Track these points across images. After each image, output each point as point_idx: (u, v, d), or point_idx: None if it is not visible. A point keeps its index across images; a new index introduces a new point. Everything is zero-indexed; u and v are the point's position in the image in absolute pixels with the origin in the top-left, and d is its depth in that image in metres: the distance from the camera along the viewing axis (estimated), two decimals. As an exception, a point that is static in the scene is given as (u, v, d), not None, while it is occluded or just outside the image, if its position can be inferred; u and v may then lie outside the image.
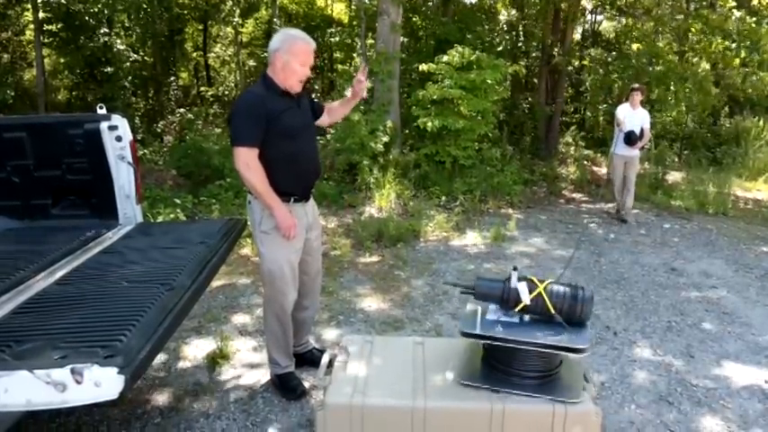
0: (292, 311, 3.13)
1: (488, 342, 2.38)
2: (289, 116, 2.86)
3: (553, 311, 2.32)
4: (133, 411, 3.06)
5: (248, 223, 3.33)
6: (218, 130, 11.12)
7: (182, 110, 13.70)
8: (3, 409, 1.82)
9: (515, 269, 2.45)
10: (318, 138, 9.67)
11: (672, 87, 10.32)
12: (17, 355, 1.91)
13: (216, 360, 3.60)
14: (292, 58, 2.80)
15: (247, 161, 2.76)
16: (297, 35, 2.87)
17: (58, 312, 2.32)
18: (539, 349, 2.28)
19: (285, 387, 3.19)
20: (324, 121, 3.31)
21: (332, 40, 14.65)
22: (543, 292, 2.35)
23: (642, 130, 7.41)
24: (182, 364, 3.59)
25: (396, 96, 9.22)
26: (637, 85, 7.78)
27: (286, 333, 3.14)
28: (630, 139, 7.28)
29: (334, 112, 3.35)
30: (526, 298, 2.35)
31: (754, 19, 9.83)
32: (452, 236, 6.62)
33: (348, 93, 3.19)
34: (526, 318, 2.41)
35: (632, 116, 7.37)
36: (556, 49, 12.45)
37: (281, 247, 2.94)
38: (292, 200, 2.95)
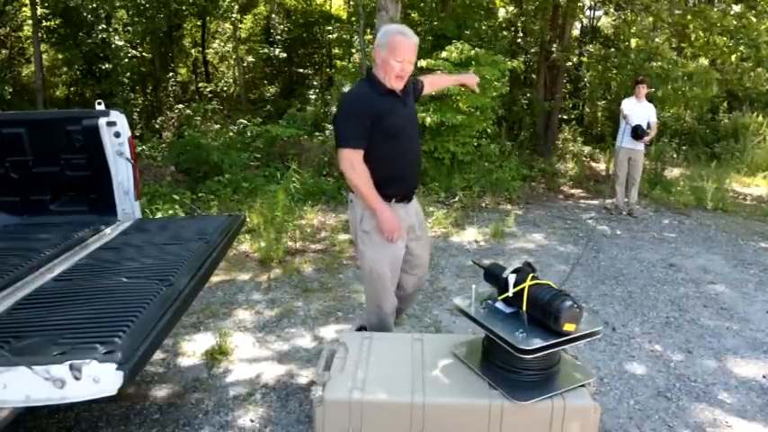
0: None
1: (465, 316, 2.52)
2: (393, 116, 2.80)
3: (524, 309, 2.34)
4: (132, 407, 3.06)
5: (349, 221, 3.26)
6: (216, 126, 11.11)
7: (180, 106, 13.68)
8: (2, 405, 1.82)
9: (529, 264, 2.50)
10: (317, 134, 9.77)
11: (671, 84, 10.31)
12: (16, 352, 1.91)
13: (215, 356, 3.60)
14: (390, 54, 2.72)
15: (352, 163, 2.74)
16: (395, 30, 2.79)
17: (57, 308, 2.32)
18: (492, 336, 2.34)
19: None
20: (425, 91, 3.29)
21: (330, 36, 14.64)
22: (526, 290, 2.36)
23: (649, 124, 7.40)
24: (180, 361, 3.60)
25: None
26: (642, 78, 7.77)
27: (385, 329, 3.13)
28: (638, 133, 7.24)
29: (436, 83, 3.31)
30: (510, 290, 2.39)
31: (753, 12, 9.83)
32: (451, 232, 6.62)
33: (465, 80, 3.18)
34: (521, 312, 2.41)
35: (638, 109, 7.35)
36: (554, 45, 12.43)
37: (382, 247, 2.91)
38: (394, 201, 2.90)
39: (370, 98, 2.77)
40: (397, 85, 2.80)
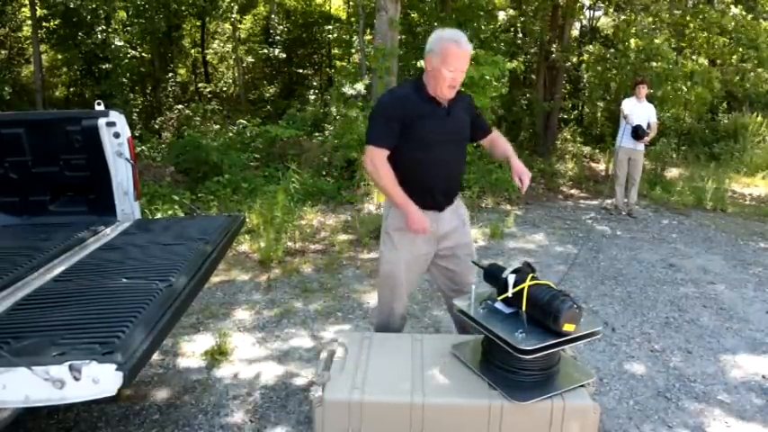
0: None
1: (465, 317, 2.50)
2: (427, 124, 2.71)
3: (523, 309, 2.34)
4: (131, 408, 3.06)
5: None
6: (216, 127, 11.11)
7: (180, 106, 13.68)
8: (1, 406, 1.82)
9: (528, 264, 2.49)
10: (317, 134, 9.77)
11: (670, 84, 10.32)
12: (15, 352, 1.91)
13: (214, 356, 3.60)
14: (442, 63, 2.61)
15: (373, 160, 2.71)
16: (448, 36, 2.64)
17: (57, 309, 2.31)
18: (491, 337, 2.34)
19: None
20: (482, 143, 3.12)
21: (330, 36, 14.64)
22: (525, 290, 2.36)
23: (649, 124, 7.41)
24: (180, 361, 3.60)
25: (394, 93, 9.20)
26: (642, 78, 7.77)
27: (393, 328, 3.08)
28: (638, 133, 7.25)
29: (493, 148, 3.06)
30: (509, 290, 2.38)
31: (751, 15, 9.84)
32: (451, 232, 6.61)
33: (517, 169, 2.82)
34: (521, 312, 2.42)
35: (638, 109, 7.36)
36: (554, 46, 12.43)
37: (400, 249, 2.87)
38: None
39: (406, 100, 2.71)
40: (449, 94, 2.70)
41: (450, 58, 2.60)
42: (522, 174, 2.80)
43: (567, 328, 2.23)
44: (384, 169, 2.72)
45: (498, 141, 3.01)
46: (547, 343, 2.22)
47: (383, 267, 2.95)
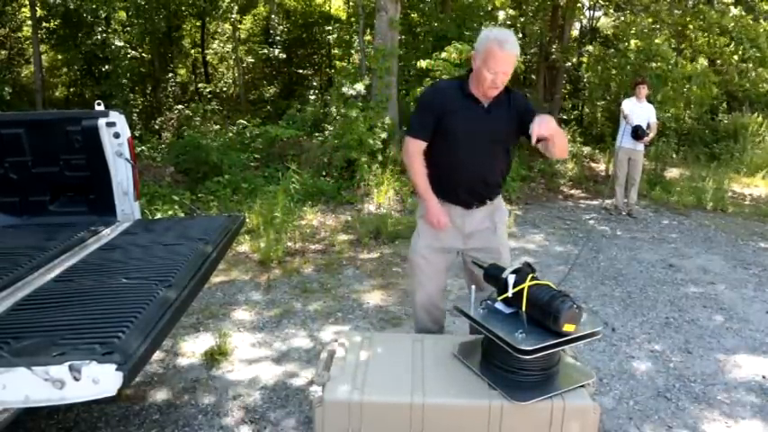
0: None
1: (465, 317, 2.52)
2: (459, 119, 2.68)
3: (523, 309, 2.34)
4: (131, 408, 3.06)
5: None
6: (216, 127, 11.11)
7: (180, 106, 13.67)
8: (1, 406, 1.82)
9: (528, 264, 2.50)
10: (317, 134, 9.77)
11: (670, 84, 10.32)
12: (15, 352, 1.91)
13: (214, 357, 3.60)
14: (483, 64, 2.56)
15: (408, 150, 2.77)
16: (493, 37, 2.56)
17: (57, 309, 2.31)
18: (491, 337, 2.35)
19: None
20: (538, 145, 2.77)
21: (330, 36, 14.63)
22: (525, 290, 2.37)
23: (649, 125, 7.41)
24: (180, 361, 3.60)
25: (394, 93, 9.21)
26: (642, 78, 7.78)
27: (422, 326, 3.05)
28: (638, 133, 7.25)
29: (547, 147, 2.71)
30: (509, 290, 2.38)
31: (751, 15, 9.84)
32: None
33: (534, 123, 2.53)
34: (521, 312, 2.42)
35: (638, 110, 7.36)
36: (554, 46, 12.43)
37: (422, 238, 2.89)
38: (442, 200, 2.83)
39: (444, 93, 2.72)
40: (490, 94, 2.65)
41: (492, 61, 2.54)
42: (539, 122, 2.45)
43: (567, 328, 2.23)
44: (416, 161, 2.76)
45: (553, 140, 2.59)
46: (546, 343, 2.22)
47: (409, 256, 3.03)
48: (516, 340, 2.22)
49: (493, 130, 2.72)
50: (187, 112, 12.60)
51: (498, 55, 2.52)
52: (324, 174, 8.47)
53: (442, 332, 3.10)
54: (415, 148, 2.75)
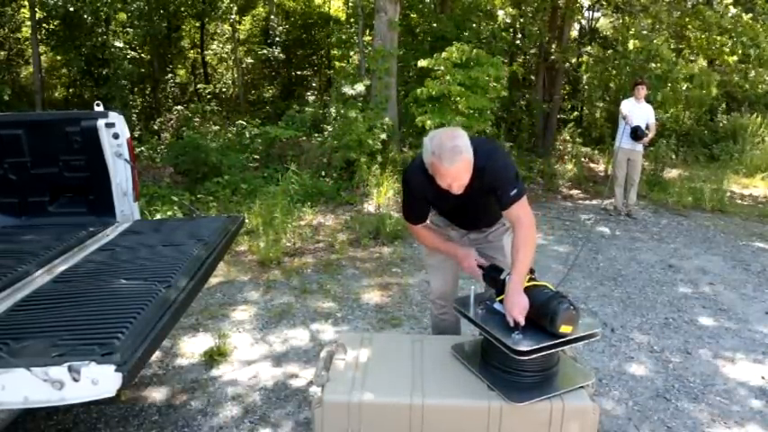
0: None
1: (464, 317, 2.55)
2: (438, 201, 2.65)
3: None
4: (131, 409, 3.06)
5: None
6: (215, 128, 11.11)
7: (179, 107, 13.66)
8: (0, 407, 1.82)
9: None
10: (316, 135, 9.77)
11: (670, 84, 10.33)
12: (15, 353, 1.91)
13: (213, 357, 3.60)
14: (434, 172, 2.38)
15: (414, 233, 2.84)
16: (434, 152, 2.31)
17: (56, 310, 2.31)
18: (488, 337, 2.37)
19: None
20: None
21: (330, 38, 14.62)
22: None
23: (648, 125, 7.42)
24: (179, 362, 3.59)
25: (393, 93, 9.22)
26: (641, 79, 7.79)
27: (432, 316, 3.19)
28: (637, 134, 7.26)
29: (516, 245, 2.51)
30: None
31: (750, 15, 9.85)
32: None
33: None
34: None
35: (637, 110, 7.36)
36: (553, 46, 12.43)
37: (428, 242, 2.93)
38: None
39: (417, 181, 2.53)
40: (455, 192, 2.42)
41: (438, 175, 2.36)
42: (510, 308, 2.30)
43: (565, 329, 2.24)
44: (426, 237, 2.82)
45: (514, 235, 2.49)
46: (542, 344, 2.22)
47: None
48: (512, 341, 2.23)
49: (473, 201, 2.59)
50: (186, 112, 12.59)
51: (442, 170, 2.32)
52: (323, 174, 8.47)
53: (457, 324, 3.13)
54: (417, 227, 2.78)
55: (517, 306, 2.28)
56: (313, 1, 16.44)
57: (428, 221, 2.86)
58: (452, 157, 2.27)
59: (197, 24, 16.11)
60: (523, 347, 2.19)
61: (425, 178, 2.44)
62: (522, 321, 2.26)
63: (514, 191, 2.46)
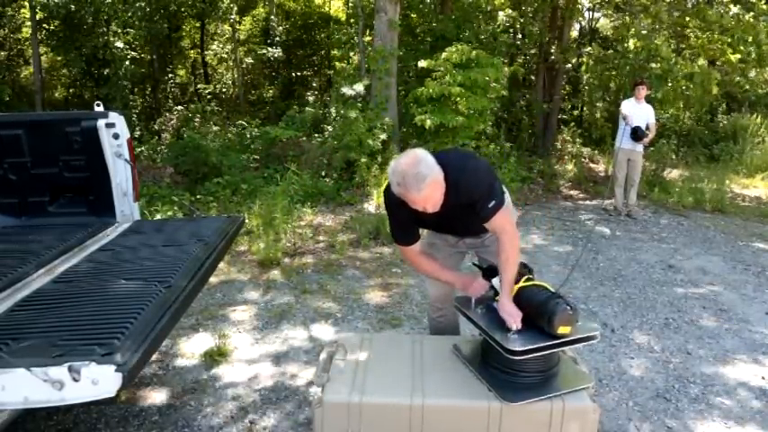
0: None
1: (463, 316, 2.58)
2: (421, 219, 2.53)
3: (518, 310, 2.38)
4: (131, 409, 3.06)
5: None
6: (215, 128, 11.11)
7: (179, 107, 13.66)
8: (0, 407, 1.82)
9: (525, 265, 2.51)
10: (316, 135, 9.77)
11: (670, 84, 10.32)
12: (15, 353, 1.91)
13: (213, 357, 3.60)
14: (405, 200, 2.34)
15: (407, 256, 2.78)
16: (395, 182, 2.29)
17: (56, 310, 2.31)
18: (484, 336, 2.39)
19: None
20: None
21: (331, 38, 14.63)
22: (514, 290, 2.39)
23: (648, 125, 7.42)
24: (179, 362, 3.59)
25: (394, 93, 9.22)
26: (641, 79, 7.79)
27: (429, 318, 3.24)
28: (637, 134, 7.27)
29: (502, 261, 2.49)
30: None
31: (752, 14, 9.84)
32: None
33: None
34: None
35: (637, 111, 7.37)
36: (553, 47, 12.43)
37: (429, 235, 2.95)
38: None
39: (396, 202, 2.43)
40: (431, 211, 2.38)
41: (411, 203, 2.33)
42: (505, 319, 2.35)
43: (562, 330, 2.24)
44: (420, 263, 2.75)
45: (499, 248, 2.47)
46: (537, 345, 2.22)
47: None
48: (507, 341, 2.23)
49: (455, 214, 2.50)
50: (187, 113, 12.60)
51: (410, 198, 2.29)
52: (323, 174, 8.48)
53: (455, 322, 3.13)
54: (412, 253, 2.70)
55: (510, 317, 2.34)
56: (313, 1, 16.44)
57: (419, 243, 2.73)
58: (417, 185, 2.23)
59: (197, 24, 16.11)
60: (517, 347, 2.19)
61: (401, 202, 2.37)
62: (516, 327, 2.31)
63: (492, 203, 2.41)
